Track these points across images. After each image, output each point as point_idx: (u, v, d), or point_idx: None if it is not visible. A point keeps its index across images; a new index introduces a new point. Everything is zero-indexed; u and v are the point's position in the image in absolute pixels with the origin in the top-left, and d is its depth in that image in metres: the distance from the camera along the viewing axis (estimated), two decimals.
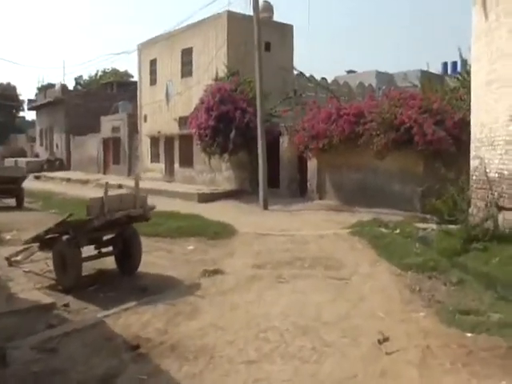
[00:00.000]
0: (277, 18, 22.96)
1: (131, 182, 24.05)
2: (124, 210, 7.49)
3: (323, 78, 25.11)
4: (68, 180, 29.49)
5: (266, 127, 16.56)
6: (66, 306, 6.65)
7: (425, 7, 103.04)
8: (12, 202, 17.97)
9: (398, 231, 10.55)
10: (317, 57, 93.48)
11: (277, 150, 17.92)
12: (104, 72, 55.05)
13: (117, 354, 4.96)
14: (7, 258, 8.88)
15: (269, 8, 22.45)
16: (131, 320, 5.93)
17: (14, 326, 5.72)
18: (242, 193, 18.86)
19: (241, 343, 5.13)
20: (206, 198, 18.38)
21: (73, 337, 5.35)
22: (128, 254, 8.11)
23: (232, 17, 20.14)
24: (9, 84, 51.65)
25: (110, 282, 7.83)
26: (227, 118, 17.64)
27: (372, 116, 14.23)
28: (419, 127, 12.92)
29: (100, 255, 8.20)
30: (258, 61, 16.19)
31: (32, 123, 48.91)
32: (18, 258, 8.77)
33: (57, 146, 38.89)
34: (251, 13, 16.26)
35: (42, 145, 42.41)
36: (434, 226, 10.38)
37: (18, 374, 4.43)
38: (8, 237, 11.61)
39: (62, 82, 38.82)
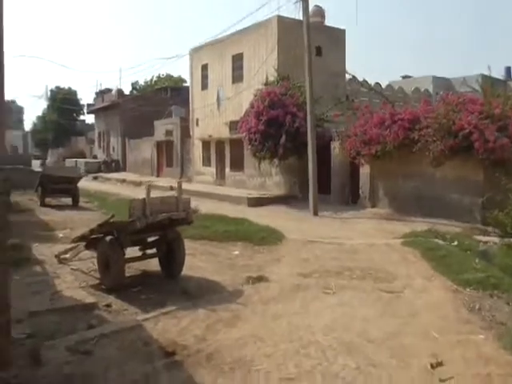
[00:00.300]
0: (330, 22, 22.70)
1: (184, 185, 24.78)
2: (166, 213, 7.38)
3: (377, 83, 24.48)
4: (123, 181, 30.23)
5: (316, 132, 16.24)
6: (108, 306, 6.61)
7: (486, 9, 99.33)
8: (69, 201, 18.56)
9: (455, 244, 9.93)
10: (370, 62, 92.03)
11: (328, 156, 17.51)
12: (159, 77, 56.32)
13: (151, 359, 4.79)
14: (57, 256, 9.05)
15: (320, 13, 22.14)
16: (170, 325, 5.76)
17: (55, 325, 5.71)
18: (291, 198, 18.58)
19: (280, 357, 4.84)
20: (255, 203, 18.23)
21: (109, 339, 5.24)
22: (171, 256, 8.00)
23: (282, 22, 19.97)
24: (70, 89, 53.77)
25: (153, 284, 7.74)
26: (277, 123, 17.43)
27: (428, 122, 13.61)
28: (480, 134, 12.19)
29: (143, 257, 8.16)
30: (308, 65, 15.90)
31: (91, 126, 50.68)
32: (67, 255, 8.90)
33: (113, 149, 40.03)
34: (301, 17, 15.99)
35: (100, 147, 43.83)
36: (496, 240, 9.70)
37: (49, 375, 4.34)
38: (60, 235, 11.88)
39: (118, 87, 39.99)
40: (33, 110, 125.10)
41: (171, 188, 24.02)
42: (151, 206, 7.17)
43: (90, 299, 6.64)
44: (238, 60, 23.07)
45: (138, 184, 27.90)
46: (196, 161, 27.48)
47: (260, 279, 7.86)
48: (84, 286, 7.53)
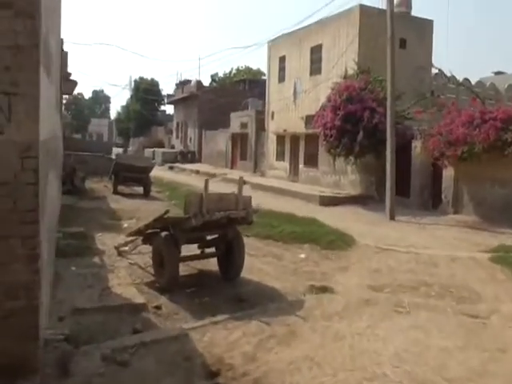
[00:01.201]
0: (415, 12, 21.22)
1: (256, 179, 24.46)
2: (224, 211, 6.85)
3: (466, 79, 22.57)
4: (197, 172, 30.37)
5: (396, 129, 15.13)
6: (158, 308, 6.22)
7: None
8: (141, 190, 18.73)
9: None
10: (457, 56, 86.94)
11: (408, 155, 16.27)
12: (238, 70, 56.44)
13: (192, 378, 4.28)
14: (116, 248, 8.86)
15: (406, 2, 20.71)
16: (218, 337, 5.22)
17: (97, 325, 5.36)
18: (366, 199, 17.54)
19: None
20: (327, 202, 17.39)
21: (150, 349, 4.77)
22: (230, 257, 7.49)
23: (364, 12, 18.86)
24: (153, 80, 55.20)
25: (209, 285, 7.27)
26: (354, 118, 16.47)
27: None
28: None
29: (200, 256, 7.73)
30: (391, 58, 14.78)
31: (171, 117, 51.72)
32: (126, 248, 8.67)
33: (190, 139, 40.52)
34: (385, 7, 14.88)
35: (177, 137, 44.60)
36: None
37: None
38: (125, 225, 11.79)
39: (198, 79, 40.32)
40: (119, 100, 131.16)
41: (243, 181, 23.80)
42: (208, 202, 6.68)
43: (139, 299, 6.25)
44: (316, 52, 22.21)
45: (212, 175, 27.80)
46: (270, 155, 26.98)
47: (324, 289, 7.15)
48: (138, 282, 7.22)
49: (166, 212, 6.77)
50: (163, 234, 7.00)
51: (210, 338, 5.19)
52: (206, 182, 6.93)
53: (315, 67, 22.37)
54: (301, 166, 23.63)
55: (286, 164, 25.06)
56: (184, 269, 7.85)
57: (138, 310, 5.97)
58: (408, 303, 6.60)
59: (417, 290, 7.34)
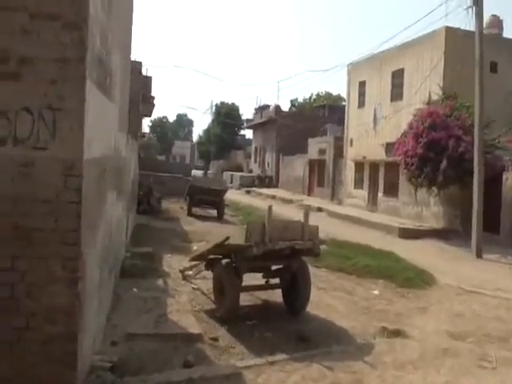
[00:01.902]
0: (508, 34, 19.85)
1: (333, 207, 23.78)
2: (289, 241, 6.41)
3: None
4: (273, 197, 30.16)
5: (485, 159, 14.02)
6: (214, 339, 5.84)
7: None
8: (215, 212, 18.74)
9: None
10: None
11: (498, 188, 14.94)
12: (318, 95, 56.22)
13: None
14: (181, 271, 8.69)
15: (497, 23, 19.46)
16: (273, 380, 4.75)
17: (149, 353, 5.08)
18: (450, 233, 16.27)
19: None
20: (407, 234, 16.37)
21: None
22: (295, 290, 6.99)
23: (450, 33, 17.79)
24: (233, 104, 56.40)
25: (272, 319, 6.80)
26: (438, 147, 15.45)
27: None
28: None
29: (263, 287, 7.30)
30: (479, 82, 13.79)
31: (250, 141, 52.35)
32: (190, 272, 8.46)
33: (268, 164, 40.60)
34: (473, 28, 13.93)
35: (255, 161, 44.90)
36: None
37: None
38: (195, 247, 11.65)
39: (276, 103, 40.47)
40: (201, 123, 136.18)
41: (319, 209, 23.21)
42: (272, 231, 6.28)
43: (196, 329, 5.92)
44: (397, 76, 21.37)
45: (288, 201, 27.55)
46: (348, 182, 26.19)
47: (397, 333, 6.44)
48: (198, 310, 6.92)
49: (227, 238, 6.45)
50: (224, 261, 6.69)
51: (264, 379, 4.74)
52: (270, 208, 6.53)
53: (396, 92, 21.51)
54: (380, 195, 22.64)
55: (364, 192, 24.16)
56: (248, 298, 7.49)
57: (193, 341, 5.64)
58: (495, 357, 5.75)
59: (506, 341, 6.43)
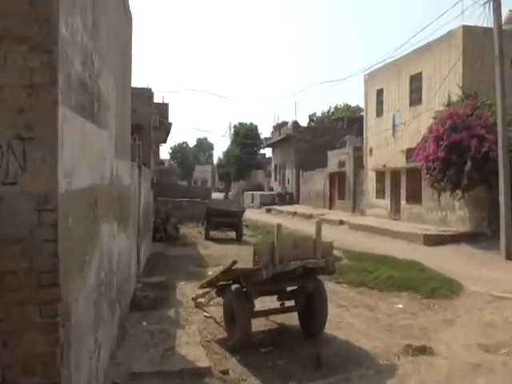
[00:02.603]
0: None
1: (354, 219, 23.25)
2: (300, 260, 6.05)
3: None
4: (294, 214, 29.76)
5: (510, 158, 13.36)
6: (224, 372, 5.49)
7: None
8: (234, 234, 18.42)
9: None
10: None
11: None
12: (336, 108, 55.85)
13: None
14: (194, 299, 8.39)
15: None
16: None
17: None
18: (477, 236, 15.59)
19: None
20: (432, 241, 15.75)
21: None
22: (311, 312, 6.60)
23: (468, 32, 17.31)
24: (251, 124, 56.42)
25: (288, 344, 6.41)
26: (460, 148, 14.92)
27: None
28: None
29: (276, 310, 6.93)
30: (500, 78, 13.26)
31: (270, 159, 52.17)
32: (202, 300, 8.14)
33: (288, 181, 40.26)
34: (491, 25, 13.46)
35: (275, 179, 44.62)
36: None
37: None
38: (210, 272, 11.30)
39: (294, 119, 40.28)
40: (220, 146, 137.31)
41: (341, 222, 22.70)
42: (281, 251, 5.94)
43: (204, 362, 5.57)
44: (415, 80, 20.92)
45: (309, 217, 27.07)
46: (369, 193, 25.65)
47: (423, 350, 5.98)
48: (209, 340, 6.57)
49: (234, 263, 6.13)
50: (234, 286, 6.36)
51: None
52: (279, 227, 6.18)
53: (415, 97, 21.05)
54: (403, 202, 22.03)
55: (386, 201, 23.57)
56: (263, 323, 7.13)
57: (200, 375, 5.30)
58: None
59: None
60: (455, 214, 17.76)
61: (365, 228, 20.02)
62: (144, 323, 7.05)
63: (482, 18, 13.45)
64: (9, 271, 3.25)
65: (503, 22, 15.24)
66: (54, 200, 3.27)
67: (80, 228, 3.95)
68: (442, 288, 8.97)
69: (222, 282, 6.82)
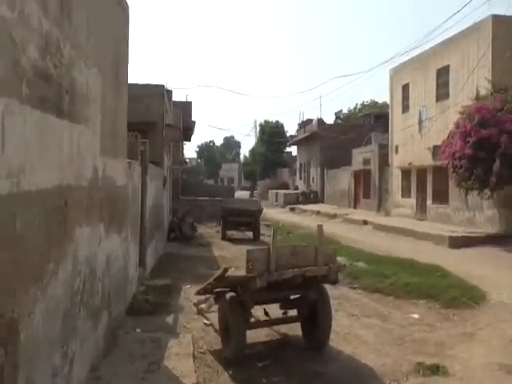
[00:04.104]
0: None
1: (379, 218, 22.49)
2: (299, 268, 5.52)
3: None
4: (317, 213, 29.15)
5: None
6: None
7: None
8: (251, 234, 17.94)
9: None
10: None
11: None
12: (363, 104, 54.79)
13: None
14: (195, 305, 7.92)
15: None
16: None
17: None
18: (507, 238, 14.68)
19: None
20: (458, 243, 14.93)
21: None
22: (314, 323, 6.06)
23: (498, 22, 16.38)
24: (277, 122, 55.86)
25: (287, 358, 5.88)
26: (489, 145, 14.09)
27: None
28: None
29: (276, 321, 6.40)
30: None
31: (295, 158, 51.58)
32: (203, 306, 7.68)
33: (313, 179, 39.57)
34: None
35: (300, 178, 43.96)
36: None
37: None
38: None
39: (319, 117, 39.50)
40: (247, 144, 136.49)
41: (364, 222, 21.96)
42: (278, 258, 5.43)
43: (191, 378, 5.10)
44: (443, 74, 20.02)
45: (332, 216, 26.43)
46: (394, 192, 24.79)
47: (435, 369, 5.36)
48: (203, 350, 6.11)
49: (226, 270, 5.66)
50: (228, 295, 5.88)
51: None
52: (274, 233, 5.67)
53: (442, 92, 20.16)
54: (429, 202, 21.14)
55: (412, 201, 22.71)
56: (265, 333, 6.63)
57: None
58: None
59: None
60: (483, 214, 16.86)
61: (389, 229, 19.28)
62: (138, 330, 6.64)
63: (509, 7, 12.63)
64: None
65: None
66: None
67: (37, 233, 3.53)
68: (463, 296, 8.27)
69: (218, 289, 6.35)
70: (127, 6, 7.20)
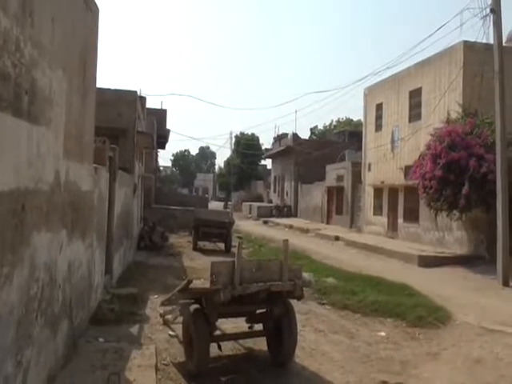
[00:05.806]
0: None
1: (351, 235, 22.60)
2: (264, 282, 5.45)
3: None
4: (290, 227, 29.18)
5: (510, 180, 12.75)
6: None
7: None
8: (223, 246, 17.82)
9: None
10: None
11: None
12: (338, 121, 55.47)
13: None
14: (162, 315, 7.77)
15: None
16: None
17: None
18: (475, 259, 14.91)
19: None
20: (427, 262, 15.09)
21: None
22: (279, 339, 5.98)
23: (469, 48, 16.70)
24: (253, 135, 56.02)
25: (252, 372, 5.79)
26: (458, 167, 14.32)
27: None
28: None
29: (240, 335, 6.34)
30: (500, 96, 12.65)
31: (270, 171, 51.73)
32: (169, 317, 7.53)
33: (287, 193, 39.67)
34: (491, 40, 12.90)
35: (275, 191, 44.05)
36: None
37: None
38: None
39: (294, 132, 39.73)
40: (221, 155, 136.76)
41: (336, 238, 22.04)
42: (243, 272, 5.36)
43: None
44: (415, 96, 20.37)
45: (305, 231, 26.49)
46: (366, 209, 25.01)
47: None
48: (166, 362, 5.97)
49: (190, 282, 5.55)
50: (192, 307, 5.77)
51: None
52: (239, 245, 5.60)
53: (415, 113, 20.49)
54: (400, 221, 21.38)
55: (383, 219, 22.93)
56: (230, 346, 6.52)
57: None
58: None
59: None
60: (452, 235, 17.11)
61: (361, 245, 19.40)
62: (101, 339, 6.45)
63: (482, 34, 12.93)
64: None
65: (506, 39, 14.71)
66: None
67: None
68: (429, 316, 8.31)
69: (183, 301, 6.22)
70: (97, 10, 7.06)
